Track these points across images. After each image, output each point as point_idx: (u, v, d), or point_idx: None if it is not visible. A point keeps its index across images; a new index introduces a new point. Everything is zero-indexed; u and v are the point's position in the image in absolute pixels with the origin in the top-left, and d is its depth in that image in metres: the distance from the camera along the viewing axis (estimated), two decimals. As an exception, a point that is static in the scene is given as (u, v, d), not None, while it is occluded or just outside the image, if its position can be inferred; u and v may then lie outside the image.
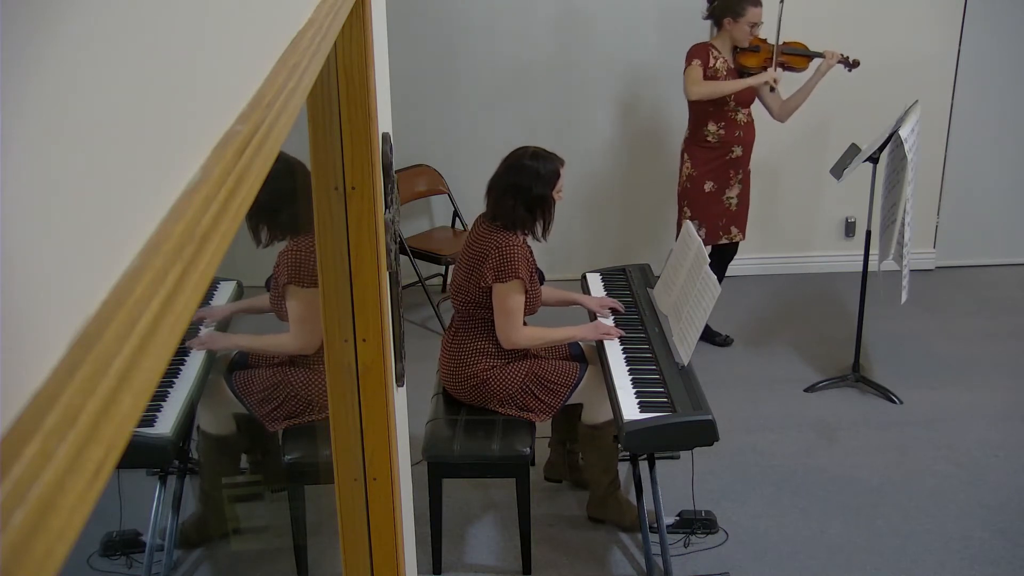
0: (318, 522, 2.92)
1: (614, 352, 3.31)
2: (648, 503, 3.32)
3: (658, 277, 3.85)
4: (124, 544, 2.75)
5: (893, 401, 4.32)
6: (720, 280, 3.21)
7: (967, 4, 5.31)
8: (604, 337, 3.40)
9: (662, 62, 5.24)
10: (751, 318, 5.15)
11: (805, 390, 4.43)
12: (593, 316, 3.62)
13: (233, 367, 2.97)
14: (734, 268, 5.19)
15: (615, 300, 3.66)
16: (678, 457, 3.80)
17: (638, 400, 3.02)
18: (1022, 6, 5.38)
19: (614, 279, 3.96)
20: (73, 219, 0.51)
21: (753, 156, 4.65)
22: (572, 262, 5.48)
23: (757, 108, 4.58)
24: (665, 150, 5.29)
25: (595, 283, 3.93)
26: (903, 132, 3.93)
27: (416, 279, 5.05)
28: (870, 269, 4.32)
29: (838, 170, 4.34)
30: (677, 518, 3.44)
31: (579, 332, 3.44)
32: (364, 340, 1.93)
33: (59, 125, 0.50)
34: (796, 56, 4.51)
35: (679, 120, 4.74)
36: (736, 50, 4.48)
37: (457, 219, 5.37)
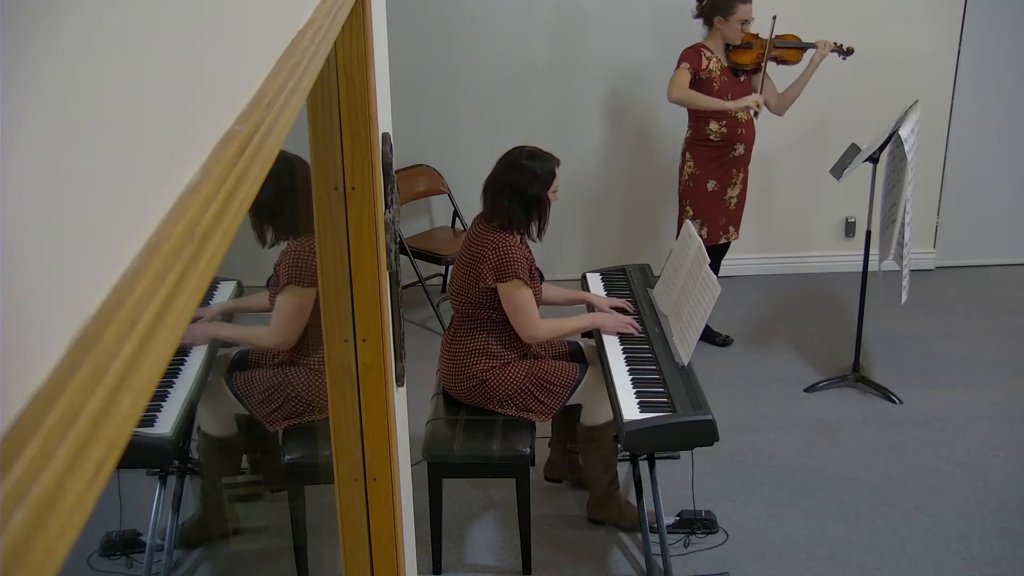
0: (318, 522, 2.92)
1: (614, 352, 3.31)
2: (648, 503, 3.32)
3: (658, 277, 3.85)
4: (124, 544, 2.75)
5: (893, 401, 4.32)
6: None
7: (967, 4, 5.31)
8: (622, 328, 3.39)
9: (661, 62, 5.23)
10: (751, 318, 5.15)
11: (805, 390, 4.43)
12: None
13: (233, 368, 2.97)
14: (735, 268, 5.20)
15: (623, 300, 3.67)
16: (678, 457, 3.80)
17: (638, 400, 3.02)
18: (1022, 6, 5.38)
19: (614, 279, 3.96)
20: (73, 219, 0.51)
21: (754, 156, 4.66)
22: (572, 262, 5.48)
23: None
24: (665, 150, 5.29)
25: (595, 283, 3.93)
26: (903, 132, 3.93)
27: (416, 279, 5.05)
28: (870, 269, 4.32)
29: (838, 170, 4.34)
30: (677, 518, 3.44)
31: (598, 319, 3.44)
32: (364, 340, 1.93)
33: (59, 125, 0.50)
34: (789, 49, 4.52)
35: (679, 120, 4.74)
36: (729, 48, 4.48)
37: (457, 219, 5.37)
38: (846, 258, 5.54)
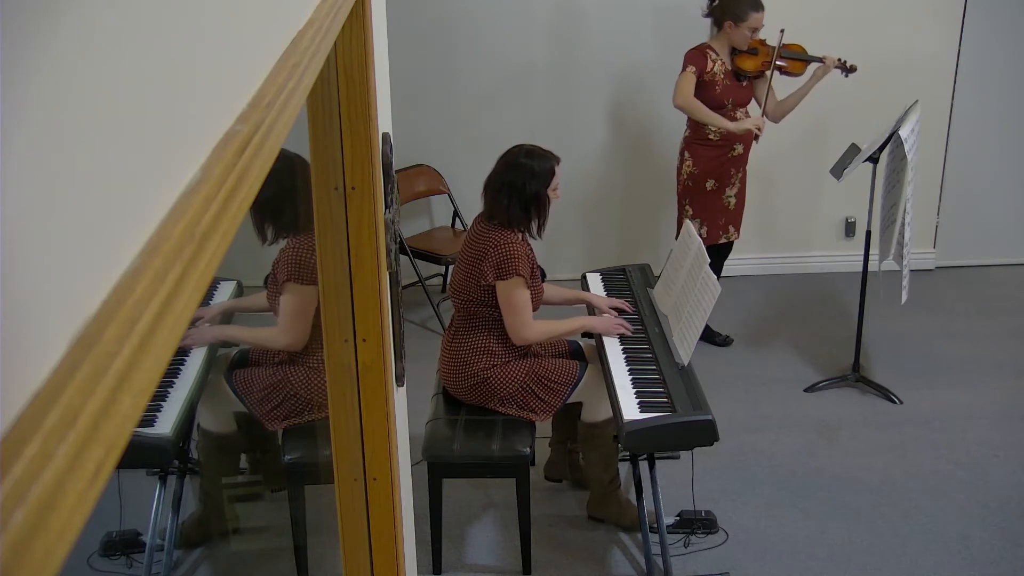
0: (318, 522, 2.92)
1: (614, 352, 3.31)
2: (648, 503, 3.32)
3: (658, 277, 3.85)
4: (124, 544, 2.76)
5: (893, 401, 4.32)
6: (717, 278, 3.22)
7: (967, 4, 5.31)
8: (615, 330, 3.40)
9: (661, 62, 5.23)
10: (751, 318, 5.15)
11: (805, 390, 4.43)
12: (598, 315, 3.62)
13: (233, 366, 2.97)
14: (735, 268, 5.20)
15: (622, 300, 3.67)
16: (678, 457, 3.80)
17: (638, 400, 3.02)
18: (1022, 6, 5.38)
19: (614, 279, 3.96)
20: (73, 219, 0.51)
21: (753, 156, 4.66)
22: (572, 262, 5.48)
23: (755, 107, 4.58)
24: (665, 150, 5.29)
25: (595, 283, 3.93)
26: (903, 132, 3.93)
27: (416, 279, 5.05)
28: (870, 269, 4.32)
29: (838, 170, 4.34)
30: (677, 518, 3.44)
31: (589, 322, 3.45)
32: (364, 340, 1.93)
33: (59, 125, 0.50)
34: (794, 60, 4.52)
35: (678, 120, 4.74)
36: (734, 52, 4.48)
37: (457, 219, 5.37)
38: (846, 258, 5.54)
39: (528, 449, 3.18)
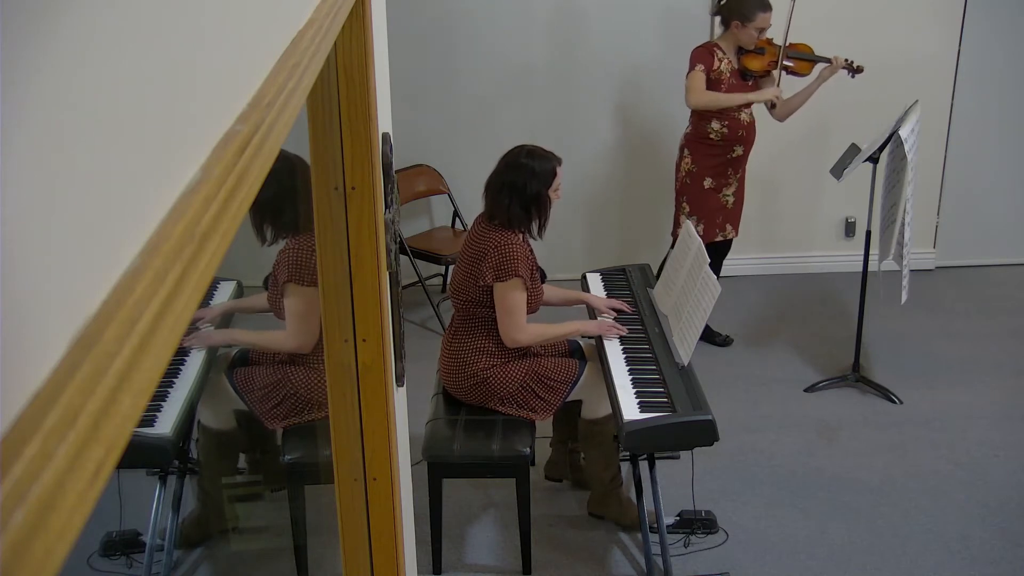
0: (318, 522, 2.92)
1: (614, 352, 3.31)
2: (648, 503, 3.32)
3: (658, 277, 3.85)
4: (124, 544, 2.75)
5: (893, 401, 4.32)
6: (716, 277, 3.22)
7: (967, 4, 5.31)
8: (608, 332, 3.40)
9: (662, 62, 5.24)
10: (751, 318, 5.14)
11: (805, 390, 4.43)
12: (595, 316, 3.62)
13: (234, 364, 2.97)
14: (735, 268, 5.19)
15: (620, 301, 3.67)
16: (678, 457, 3.80)
17: (638, 400, 3.02)
18: (1022, 6, 5.38)
19: (614, 279, 3.96)
20: (73, 219, 0.51)
21: (754, 156, 4.66)
22: (572, 262, 5.47)
23: (758, 108, 4.58)
24: (665, 150, 5.29)
25: (595, 283, 3.93)
26: (903, 132, 3.93)
27: (416, 279, 5.05)
28: (870, 269, 4.32)
29: (838, 170, 4.34)
30: (677, 518, 3.44)
31: (582, 326, 3.45)
32: (364, 340, 1.93)
33: (59, 125, 0.50)
34: (801, 60, 4.52)
35: (679, 120, 4.74)
36: (740, 51, 4.48)
37: (457, 219, 5.37)
38: (846, 258, 5.54)
39: (528, 449, 3.18)
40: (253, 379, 2.90)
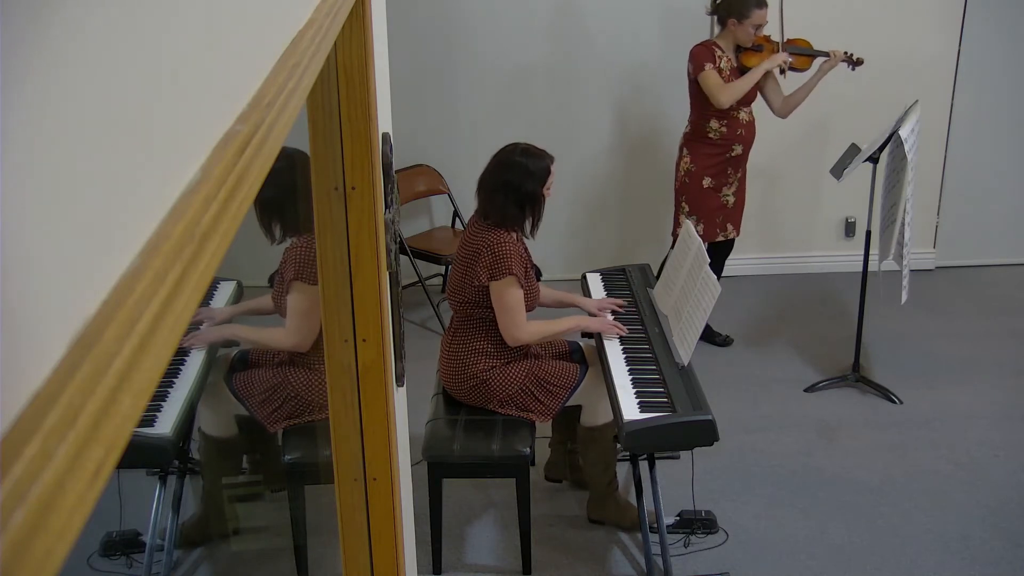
0: (318, 522, 2.92)
1: (614, 352, 3.31)
2: (648, 503, 3.32)
3: (658, 277, 3.85)
4: (124, 544, 2.76)
5: (893, 401, 4.32)
6: (718, 277, 3.21)
7: (967, 4, 5.31)
8: (609, 329, 3.40)
9: (662, 62, 5.24)
10: (751, 318, 5.14)
11: (805, 390, 4.43)
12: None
13: (233, 368, 2.97)
14: (734, 268, 5.19)
15: (613, 300, 3.66)
16: (678, 457, 3.80)
17: (638, 400, 3.02)
18: (1022, 6, 5.38)
19: (614, 279, 3.96)
20: (73, 219, 0.51)
21: (754, 156, 4.65)
22: (572, 262, 5.48)
23: (758, 108, 4.58)
24: (665, 150, 5.29)
25: (595, 283, 3.93)
26: (903, 132, 3.93)
27: (416, 279, 5.05)
28: (870, 269, 4.32)
29: (838, 170, 4.34)
30: (677, 518, 3.44)
31: (584, 322, 3.45)
32: (364, 340, 1.93)
33: (59, 125, 0.50)
34: (800, 55, 4.51)
35: (678, 120, 4.74)
36: (739, 49, 4.47)
37: (457, 219, 5.37)
38: (846, 258, 5.54)
39: (528, 449, 3.18)
40: (253, 383, 2.90)
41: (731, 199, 4.63)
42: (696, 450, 3.31)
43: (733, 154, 4.54)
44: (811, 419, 4.21)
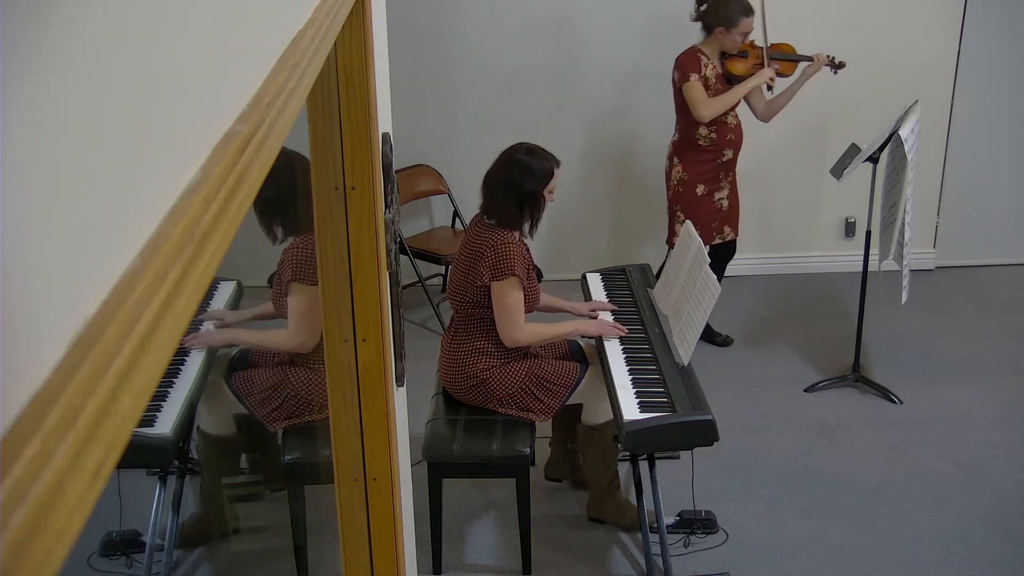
0: (318, 522, 2.92)
1: (614, 352, 3.31)
2: (648, 503, 3.32)
3: (658, 278, 3.85)
4: (124, 544, 2.76)
5: (893, 401, 4.32)
6: (719, 280, 3.21)
7: (967, 4, 5.31)
8: (608, 332, 3.39)
9: (661, 65, 5.23)
10: (751, 318, 5.14)
11: (805, 390, 4.43)
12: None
13: (233, 367, 2.97)
14: (734, 268, 5.18)
15: (605, 302, 3.66)
16: (678, 457, 3.80)
17: (638, 400, 3.02)
18: (1022, 6, 5.38)
19: (614, 279, 3.96)
20: (73, 219, 0.51)
21: (753, 157, 4.66)
22: (572, 262, 5.48)
23: (743, 111, 4.57)
24: (662, 151, 5.28)
25: (595, 283, 3.93)
26: (903, 132, 3.93)
27: (416, 279, 5.05)
28: (870, 269, 4.32)
29: (838, 170, 4.34)
30: (677, 518, 3.44)
31: (582, 326, 3.45)
32: (364, 340, 1.93)
33: (59, 125, 0.50)
34: (783, 61, 4.51)
35: (675, 122, 4.74)
36: (723, 55, 4.47)
37: (457, 219, 5.37)
38: (846, 258, 5.54)
39: (528, 449, 3.18)
40: (253, 382, 2.90)
41: (725, 202, 4.62)
42: (696, 450, 3.31)
43: (724, 159, 4.53)
44: (811, 419, 4.21)
